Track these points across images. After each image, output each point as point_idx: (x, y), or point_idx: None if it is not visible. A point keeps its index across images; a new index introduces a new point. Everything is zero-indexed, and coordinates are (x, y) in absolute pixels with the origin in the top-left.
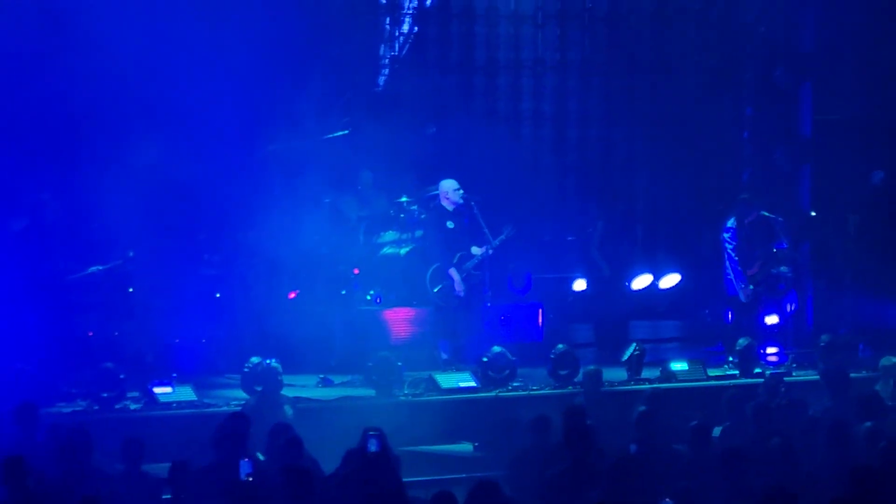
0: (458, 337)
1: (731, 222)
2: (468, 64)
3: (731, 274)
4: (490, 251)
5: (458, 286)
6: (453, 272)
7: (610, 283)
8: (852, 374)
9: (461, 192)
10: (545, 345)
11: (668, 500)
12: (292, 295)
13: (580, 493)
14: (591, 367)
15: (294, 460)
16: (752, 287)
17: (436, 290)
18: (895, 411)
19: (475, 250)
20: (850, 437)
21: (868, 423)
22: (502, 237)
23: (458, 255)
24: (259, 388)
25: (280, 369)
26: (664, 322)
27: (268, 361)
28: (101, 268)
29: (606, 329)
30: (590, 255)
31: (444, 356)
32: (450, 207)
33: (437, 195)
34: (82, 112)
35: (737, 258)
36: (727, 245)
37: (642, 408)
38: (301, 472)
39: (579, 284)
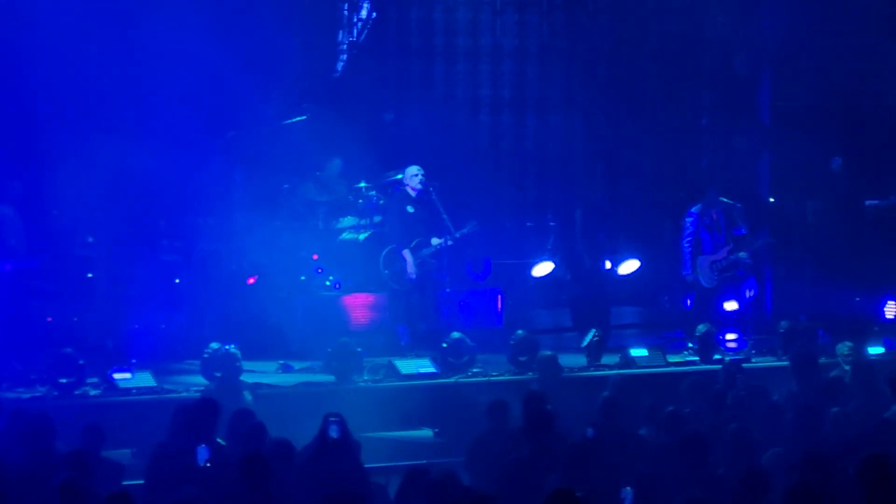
0: (417, 323)
1: (695, 208)
2: (427, 50)
3: (684, 259)
4: (450, 242)
5: (410, 268)
6: (406, 253)
7: (578, 268)
8: None
9: (419, 177)
10: (504, 331)
11: (628, 488)
12: (251, 280)
13: (539, 479)
14: (547, 353)
15: (258, 446)
16: (715, 274)
17: (387, 272)
18: (855, 398)
19: (434, 241)
20: (820, 423)
21: (833, 409)
22: (464, 231)
23: (417, 240)
24: (218, 374)
25: (239, 355)
26: (623, 308)
27: (227, 347)
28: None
29: (583, 314)
30: (572, 245)
31: (404, 342)
32: (412, 193)
33: (398, 180)
34: (44, 98)
35: (689, 244)
36: (686, 230)
37: (606, 393)
38: (259, 461)
39: (538, 270)
